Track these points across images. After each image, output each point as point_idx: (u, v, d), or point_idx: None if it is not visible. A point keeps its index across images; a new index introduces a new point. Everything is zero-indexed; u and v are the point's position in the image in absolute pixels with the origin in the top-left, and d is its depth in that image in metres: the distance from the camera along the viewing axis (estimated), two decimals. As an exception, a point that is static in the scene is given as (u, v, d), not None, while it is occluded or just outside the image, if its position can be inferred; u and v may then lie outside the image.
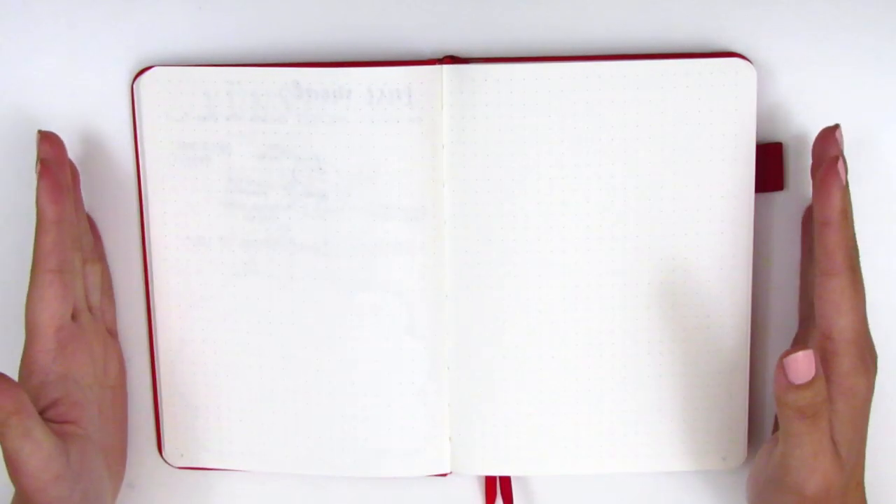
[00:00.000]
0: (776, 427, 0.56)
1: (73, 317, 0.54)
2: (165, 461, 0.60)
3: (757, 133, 0.55)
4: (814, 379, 0.49)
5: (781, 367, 0.49)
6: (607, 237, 0.56)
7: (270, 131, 0.56)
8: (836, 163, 0.50)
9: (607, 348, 0.57)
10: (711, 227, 0.56)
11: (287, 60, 0.57)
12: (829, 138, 0.52)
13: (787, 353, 0.48)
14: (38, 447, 0.48)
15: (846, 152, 0.56)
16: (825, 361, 0.51)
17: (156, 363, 0.59)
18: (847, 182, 0.51)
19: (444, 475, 0.59)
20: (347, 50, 0.57)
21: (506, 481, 0.59)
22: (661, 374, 0.57)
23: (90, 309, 0.56)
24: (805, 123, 0.56)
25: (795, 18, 0.56)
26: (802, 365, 0.49)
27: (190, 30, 0.57)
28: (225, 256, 0.58)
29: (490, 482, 0.59)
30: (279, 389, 0.58)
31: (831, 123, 0.53)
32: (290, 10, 0.57)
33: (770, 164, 0.56)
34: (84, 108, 0.58)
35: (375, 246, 0.57)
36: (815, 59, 0.56)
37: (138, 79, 0.56)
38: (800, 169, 0.57)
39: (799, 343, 0.56)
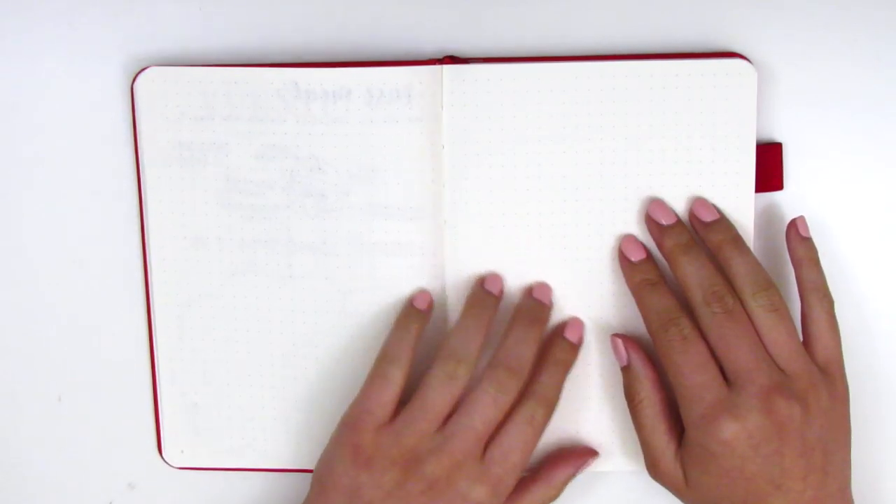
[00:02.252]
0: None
1: None
2: (165, 461, 0.60)
3: (757, 133, 0.55)
4: (626, 366, 0.55)
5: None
6: (608, 236, 0.56)
7: (269, 131, 0.56)
8: (627, 244, 0.56)
9: (607, 347, 0.57)
10: (711, 227, 0.56)
11: (286, 60, 0.57)
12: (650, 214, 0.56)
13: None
14: None
15: (847, 150, 0.56)
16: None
17: (155, 362, 0.59)
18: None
19: (444, 475, 0.59)
20: (347, 50, 0.57)
21: (505, 480, 0.59)
22: (661, 373, 0.57)
23: None
24: (805, 123, 0.56)
25: (795, 18, 0.56)
26: (614, 348, 0.55)
27: (189, 30, 0.57)
28: (224, 256, 0.58)
29: (490, 481, 0.59)
30: (278, 388, 0.58)
31: (831, 124, 0.54)
32: (290, 10, 0.57)
33: (770, 165, 0.56)
34: (83, 107, 0.58)
35: (375, 246, 0.57)
36: (815, 59, 0.56)
37: (137, 79, 0.56)
38: (800, 169, 0.57)
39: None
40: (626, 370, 0.55)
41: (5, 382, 0.61)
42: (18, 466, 0.62)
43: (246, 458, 0.59)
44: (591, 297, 0.57)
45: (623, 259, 0.55)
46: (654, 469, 0.55)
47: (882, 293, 0.57)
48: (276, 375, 0.58)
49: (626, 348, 0.55)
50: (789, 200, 0.57)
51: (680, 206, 0.56)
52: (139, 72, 0.56)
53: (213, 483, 0.61)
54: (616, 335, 0.56)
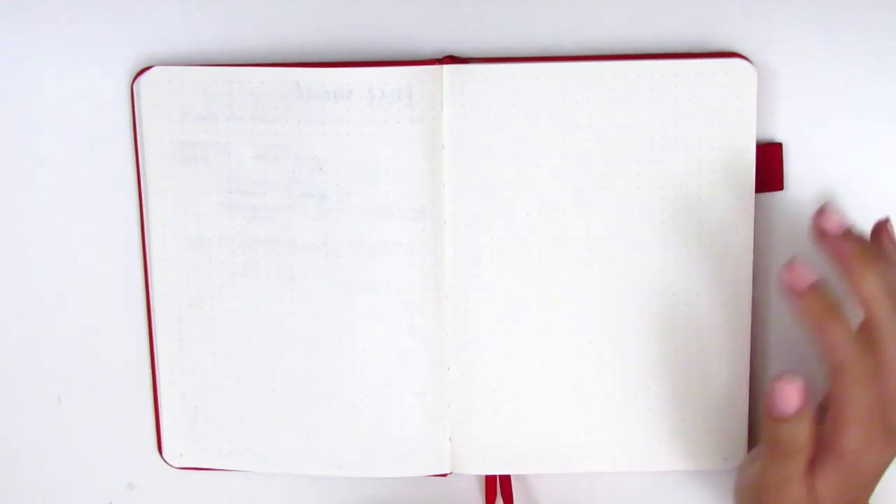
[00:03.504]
0: None
1: None
2: (165, 461, 0.60)
3: (757, 133, 0.55)
4: (798, 413, 0.48)
5: (767, 393, 0.48)
6: (607, 237, 0.56)
7: (270, 131, 0.56)
8: (788, 271, 0.50)
9: (607, 347, 0.57)
10: (711, 227, 0.56)
11: (287, 60, 0.57)
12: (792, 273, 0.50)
13: (779, 378, 0.48)
14: None
15: (847, 150, 0.56)
16: (835, 432, 0.49)
17: (156, 363, 0.59)
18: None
19: (444, 475, 0.59)
20: (347, 50, 0.57)
21: (506, 481, 0.59)
22: (662, 373, 0.57)
23: None
24: (805, 123, 0.56)
25: (795, 18, 0.56)
26: (784, 395, 0.48)
27: (190, 30, 0.57)
28: (224, 256, 0.58)
29: (490, 482, 0.59)
30: (279, 389, 0.58)
31: (831, 124, 0.54)
32: (290, 10, 0.57)
33: (770, 165, 0.56)
34: (84, 107, 0.58)
35: (375, 246, 0.57)
36: (815, 59, 0.56)
37: (138, 79, 0.56)
38: (800, 169, 0.57)
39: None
40: (790, 419, 0.48)
41: (5, 382, 0.61)
42: (18, 466, 0.62)
43: (246, 459, 0.59)
44: (592, 297, 0.57)
45: (790, 288, 0.50)
46: (777, 498, 0.50)
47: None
48: (276, 377, 0.58)
49: (803, 396, 0.48)
50: (789, 200, 0.57)
51: (679, 206, 0.56)
52: (140, 72, 0.56)
53: (213, 483, 0.61)
54: (791, 378, 0.48)
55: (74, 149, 0.58)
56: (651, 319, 0.57)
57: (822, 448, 0.50)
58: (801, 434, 0.49)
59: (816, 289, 0.49)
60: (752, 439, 0.58)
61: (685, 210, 0.56)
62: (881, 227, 0.53)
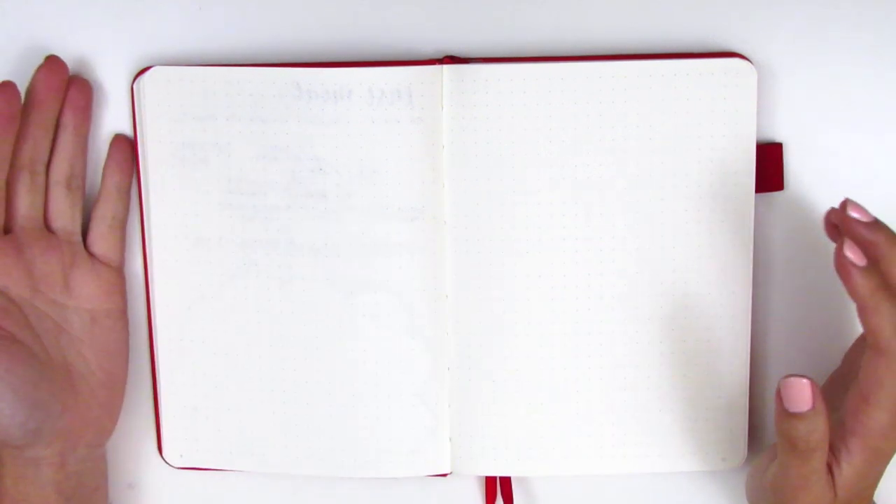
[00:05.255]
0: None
1: (6, 230, 0.55)
2: (165, 461, 0.60)
3: (757, 133, 0.55)
4: (811, 411, 0.48)
5: (779, 389, 0.48)
6: (607, 237, 0.56)
7: (270, 132, 0.56)
8: (841, 252, 0.48)
9: (607, 348, 0.57)
10: (711, 227, 0.56)
11: (287, 60, 0.57)
12: (837, 217, 0.50)
13: (787, 377, 0.48)
14: None
15: (847, 150, 0.56)
16: (860, 415, 0.49)
17: (156, 363, 0.59)
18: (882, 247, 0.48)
19: (444, 475, 0.59)
20: (347, 50, 0.57)
21: (506, 481, 0.59)
22: (661, 373, 0.57)
23: (53, 230, 0.56)
24: (805, 123, 0.56)
25: (795, 18, 0.56)
26: (796, 392, 0.48)
27: (190, 30, 0.57)
28: (225, 256, 0.58)
29: (490, 482, 0.59)
30: (279, 390, 0.58)
31: (831, 124, 0.54)
32: (290, 10, 0.57)
33: (770, 165, 0.56)
34: (84, 108, 0.58)
35: (375, 246, 0.57)
36: (815, 59, 0.56)
37: (138, 79, 0.56)
38: (800, 169, 0.57)
39: (836, 382, 0.55)
40: (805, 415, 0.48)
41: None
42: (18, 466, 0.62)
43: (246, 459, 0.59)
44: (591, 297, 0.57)
45: (841, 266, 0.49)
46: (799, 496, 0.50)
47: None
48: (276, 377, 0.58)
49: (814, 392, 0.48)
50: (789, 200, 0.57)
51: (680, 206, 0.56)
52: (140, 72, 0.56)
53: (213, 483, 0.61)
54: (798, 376, 0.48)
55: (74, 149, 0.58)
56: (651, 320, 0.57)
57: (842, 430, 0.50)
58: (818, 430, 0.48)
59: (872, 267, 0.48)
60: (752, 439, 0.58)
61: (685, 210, 0.56)
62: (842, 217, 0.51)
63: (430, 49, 0.57)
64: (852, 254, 0.48)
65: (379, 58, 0.56)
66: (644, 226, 0.56)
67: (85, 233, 0.57)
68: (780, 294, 0.58)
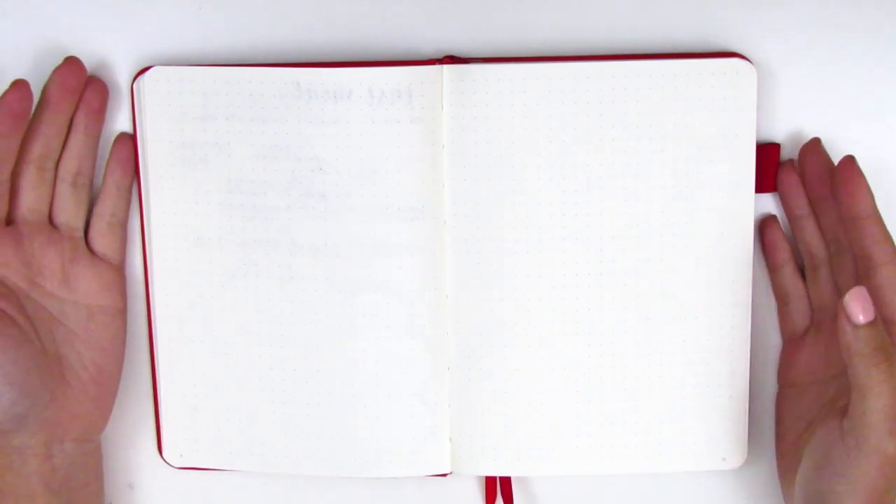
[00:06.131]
0: (786, 455, 0.56)
1: (9, 222, 0.55)
2: (165, 461, 0.60)
3: (757, 133, 0.55)
4: (876, 318, 0.49)
5: (844, 311, 0.49)
6: (607, 237, 0.56)
7: (270, 132, 0.56)
8: (853, 159, 0.51)
9: (607, 348, 0.57)
10: (711, 227, 0.56)
11: (287, 60, 0.57)
12: (815, 149, 0.53)
13: (843, 300, 0.48)
14: None
15: (847, 150, 0.56)
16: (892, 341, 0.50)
17: (156, 363, 0.59)
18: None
19: (444, 475, 0.59)
20: (347, 50, 0.57)
21: (506, 481, 0.59)
22: (662, 373, 0.57)
23: (56, 226, 0.56)
24: (805, 123, 0.56)
25: (795, 18, 0.56)
26: (864, 300, 0.49)
27: (190, 30, 0.57)
28: (224, 257, 0.58)
29: (490, 482, 0.59)
30: (279, 390, 0.58)
31: (831, 124, 0.54)
32: (290, 10, 0.57)
33: (770, 165, 0.56)
34: (84, 108, 0.58)
35: (375, 246, 0.57)
36: (815, 59, 0.56)
37: (138, 78, 0.56)
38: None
39: (791, 355, 0.57)
40: (877, 322, 0.49)
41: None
42: (18, 466, 0.62)
43: (246, 459, 0.59)
44: (591, 297, 0.57)
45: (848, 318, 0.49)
46: (864, 445, 0.50)
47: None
48: (276, 377, 0.58)
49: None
50: (789, 200, 0.57)
51: (680, 206, 0.56)
52: (140, 72, 0.56)
53: (212, 483, 0.61)
54: (856, 289, 0.49)
55: (74, 149, 0.58)
56: (651, 320, 0.57)
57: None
58: (884, 333, 0.49)
59: (877, 323, 0.49)
60: (753, 439, 0.58)
61: (685, 210, 0.56)
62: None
63: (430, 49, 0.57)
64: (855, 306, 0.49)
65: (379, 58, 0.56)
66: (644, 226, 0.56)
67: (88, 230, 0.58)
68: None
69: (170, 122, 0.56)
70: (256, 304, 0.58)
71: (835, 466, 0.51)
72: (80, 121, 0.56)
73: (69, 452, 0.56)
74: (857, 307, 0.48)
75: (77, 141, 0.56)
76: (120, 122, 0.58)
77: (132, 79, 0.57)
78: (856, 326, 0.49)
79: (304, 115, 0.56)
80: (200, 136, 0.56)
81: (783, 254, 0.57)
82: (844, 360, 0.50)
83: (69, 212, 0.56)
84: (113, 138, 0.58)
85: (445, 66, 0.55)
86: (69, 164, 0.56)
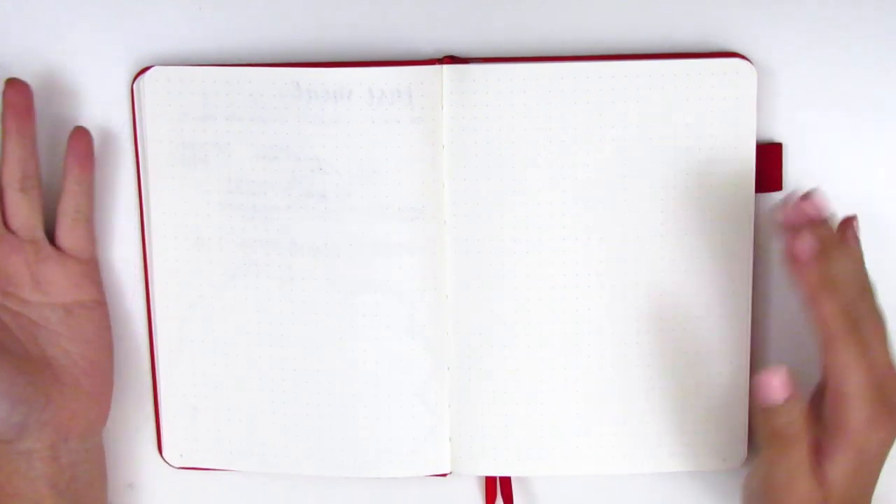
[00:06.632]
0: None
1: None
2: (165, 461, 0.60)
3: (757, 133, 0.55)
4: (787, 401, 0.49)
5: (755, 385, 0.49)
6: (607, 236, 0.56)
7: (270, 131, 0.56)
8: (795, 242, 0.49)
9: (607, 348, 0.57)
10: (712, 227, 0.56)
11: (287, 60, 0.57)
12: (793, 209, 0.51)
13: (764, 371, 0.49)
14: None
15: (847, 150, 0.56)
16: (838, 411, 0.50)
17: (156, 363, 0.59)
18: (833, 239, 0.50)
19: (444, 475, 0.59)
20: (347, 50, 0.57)
21: (506, 481, 0.59)
22: (662, 374, 0.57)
23: (14, 231, 0.56)
24: (805, 123, 0.56)
25: (795, 18, 0.56)
26: (772, 384, 0.49)
27: (190, 30, 0.57)
28: (224, 257, 0.58)
29: (490, 482, 0.59)
30: (279, 390, 0.58)
31: (831, 124, 0.54)
32: (290, 10, 0.57)
33: (770, 165, 0.56)
34: (84, 108, 0.58)
35: (375, 246, 0.57)
36: (815, 59, 0.56)
37: (138, 79, 0.56)
38: (799, 169, 0.57)
39: (820, 393, 0.54)
40: (781, 407, 0.50)
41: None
42: (18, 466, 0.62)
43: (246, 459, 0.59)
44: (591, 297, 0.57)
45: (793, 258, 0.50)
46: (786, 495, 0.51)
47: (882, 292, 0.57)
48: (276, 377, 0.58)
49: (788, 382, 0.50)
50: (789, 201, 0.57)
51: (680, 206, 0.56)
52: (140, 72, 0.56)
53: (212, 483, 0.61)
54: (774, 369, 0.50)
55: (74, 149, 0.58)
56: (651, 319, 0.57)
57: (827, 433, 0.50)
58: (796, 421, 0.49)
59: (818, 261, 0.49)
60: (752, 439, 0.58)
61: (685, 210, 0.56)
62: (847, 224, 0.53)
63: (430, 49, 0.57)
64: (806, 247, 0.49)
65: (379, 58, 0.56)
66: (644, 226, 0.56)
67: (55, 228, 0.57)
68: (779, 294, 0.58)
69: (170, 122, 0.56)
70: (256, 304, 0.58)
71: (756, 496, 0.53)
72: (11, 125, 0.55)
73: (74, 451, 0.56)
74: (766, 390, 0.49)
75: (12, 145, 0.55)
76: (120, 122, 0.58)
77: (132, 79, 0.57)
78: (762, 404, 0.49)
79: (304, 115, 0.56)
80: (200, 136, 0.56)
81: None
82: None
83: (23, 216, 0.56)
84: (105, 141, 0.58)
85: (445, 66, 0.55)
86: (12, 171, 0.55)
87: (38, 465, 0.55)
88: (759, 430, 0.50)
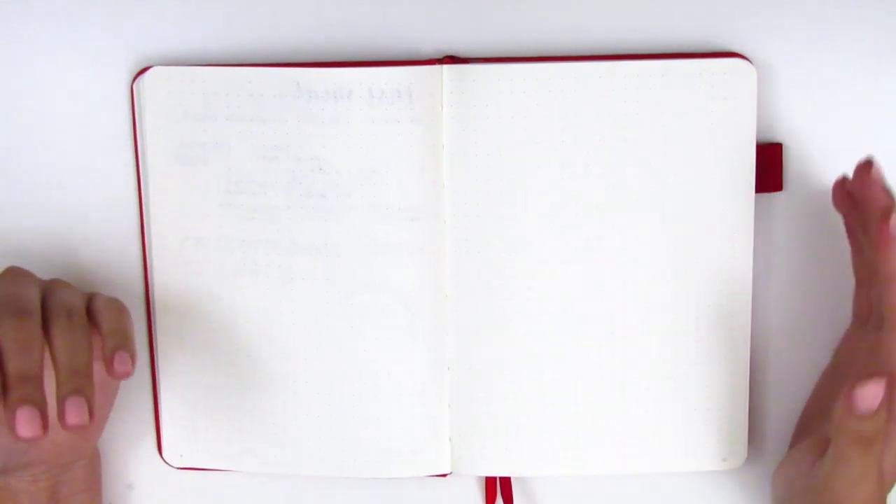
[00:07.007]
0: (799, 430, 0.56)
1: None
2: (165, 461, 0.60)
3: (756, 133, 0.55)
4: (880, 408, 0.49)
5: (849, 396, 0.48)
6: (607, 237, 0.56)
7: (270, 132, 0.56)
8: (889, 218, 0.49)
9: (607, 348, 0.57)
10: (711, 228, 0.56)
11: (287, 60, 0.57)
12: (869, 183, 0.50)
13: (858, 384, 0.48)
14: None
15: (847, 150, 0.56)
16: (891, 393, 0.50)
17: (156, 363, 0.59)
18: None
19: (444, 475, 0.59)
20: (347, 50, 0.57)
21: (506, 482, 0.59)
22: (662, 373, 0.57)
23: None
24: (805, 123, 0.56)
25: (795, 18, 0.56)
26: (872, 397, 0.48)
27: (190, 30, 0.57)
28: (224, 257, 0.58)
29: (490, 482, 0.59)
30: (278, 389, 0.58)
31: (831, 124, 0.54)
32: (290, 10, 0.57)
33: (769, 165, 0.56)
34: (84, 108, 0.58)
35: (375, 246, 0.57)
36: (815, 59, 0.56)
37: (138, 79, 0.56)
38: (799, 169, 0.57)
39: (851, 339, 0.55)
40: (875, 415, 0.49)
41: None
42: (18, 466, 0.62)
43: (246, 459, 0.59)
44: (591, 297, 0.57)
45: (886, 236, 0.49)
46: (856, 491, 0.51)
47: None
48: (276, 377, 0.58)
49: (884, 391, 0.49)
50: (789, 200, 0.57)
51: (680, 206, 0.56)
52: (140, 72, 0.56)
53: (212, 483, 0.61)
54: (875, 380, 0.48)
55: (74, 149, 0.58)
56: (651, 320, 0.57)
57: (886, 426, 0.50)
58: (881, 421, 0.49)
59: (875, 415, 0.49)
60: (753, 439, 0.58)
61: (685, 210, 0.56)
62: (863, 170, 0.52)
63: (430, 49, 0.57)
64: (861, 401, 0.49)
65: (379, 58, 0.56)
66: (643, 225, 0.56)
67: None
68: (780, 294, 0.58)
69: (170, 123, 0.56)
70: (256, 304, 0.58)
71: (805, 497, 0.52)
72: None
73: (68, 467, 0.56)
74: (865, 402, 0.48)
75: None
76: (120, 122, 0.58)
77: (132, 79, 0.57)
78: (853, 414, 0.49)
79: (304, 115, 0.56)
80: (200, 136, 0.56)
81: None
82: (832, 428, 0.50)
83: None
84: (106, 141, 0.58)
85: (445, 66, 0.55)
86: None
87: (40, 495, 0.55)
88: (839, 437, 0.50)
